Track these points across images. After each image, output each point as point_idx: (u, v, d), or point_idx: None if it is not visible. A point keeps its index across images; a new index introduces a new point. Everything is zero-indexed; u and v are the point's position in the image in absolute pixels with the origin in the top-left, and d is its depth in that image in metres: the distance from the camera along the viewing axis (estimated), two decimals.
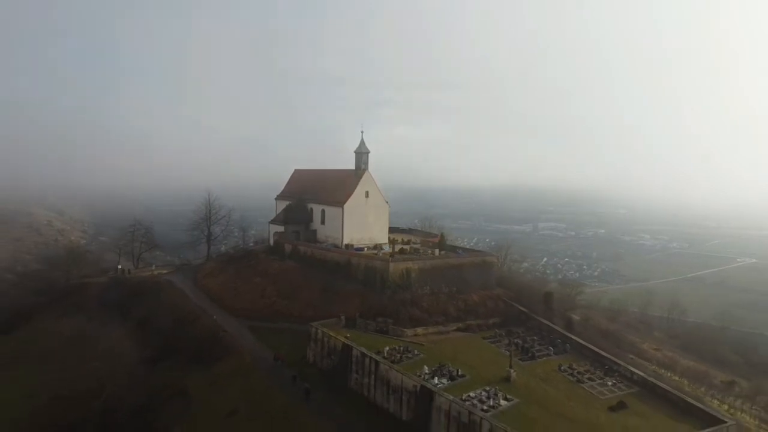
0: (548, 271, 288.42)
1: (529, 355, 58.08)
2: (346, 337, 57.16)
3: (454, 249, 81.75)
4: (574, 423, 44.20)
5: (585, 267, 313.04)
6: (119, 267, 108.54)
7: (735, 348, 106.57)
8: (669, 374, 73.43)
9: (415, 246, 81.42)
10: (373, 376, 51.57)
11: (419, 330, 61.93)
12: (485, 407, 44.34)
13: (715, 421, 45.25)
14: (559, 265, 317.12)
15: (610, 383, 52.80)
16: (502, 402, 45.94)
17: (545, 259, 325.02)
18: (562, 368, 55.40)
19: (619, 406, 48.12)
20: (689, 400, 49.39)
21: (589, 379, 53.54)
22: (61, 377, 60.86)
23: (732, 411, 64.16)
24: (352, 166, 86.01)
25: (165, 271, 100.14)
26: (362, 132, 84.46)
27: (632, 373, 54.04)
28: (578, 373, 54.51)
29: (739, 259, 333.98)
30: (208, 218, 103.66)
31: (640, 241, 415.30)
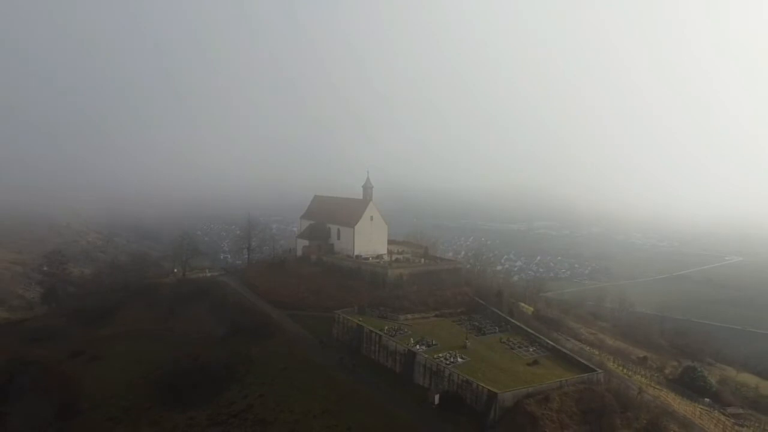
0: (541, 269, 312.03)
1: (482, 332, 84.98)
2: (359, 320, 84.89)
3: (434, 258, 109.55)
4: (502, 371, 71.22)
5: (576, 265, 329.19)
6: (175, 270, 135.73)
7: (665, 334, 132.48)
8: (593, 351, 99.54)
9: (406, 256, 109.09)
10: (377, 345, 79.50)
11: (408, 316, 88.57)
12: (448, 362, 71.65)
13: (590, 370, 72.52)
14: (551, 263, 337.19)
15: (531, 349, 79.74)
16: (459, 359, 73.16)
17: (539, 257, 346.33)
18: (503, 341, 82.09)
19: (534, 362, 74.54)
20: (578, 358, 76.28)
21: (519, 347, 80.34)
22: (164, 348, 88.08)
23: (629, 374, 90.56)
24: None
25: (216, 273, 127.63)
26: (368, 171, 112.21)
27: (547, 343, 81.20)
28: (513, 344, 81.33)
29: (727, 258, 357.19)
30: (249, 232, 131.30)
31: (632, 240, 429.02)
